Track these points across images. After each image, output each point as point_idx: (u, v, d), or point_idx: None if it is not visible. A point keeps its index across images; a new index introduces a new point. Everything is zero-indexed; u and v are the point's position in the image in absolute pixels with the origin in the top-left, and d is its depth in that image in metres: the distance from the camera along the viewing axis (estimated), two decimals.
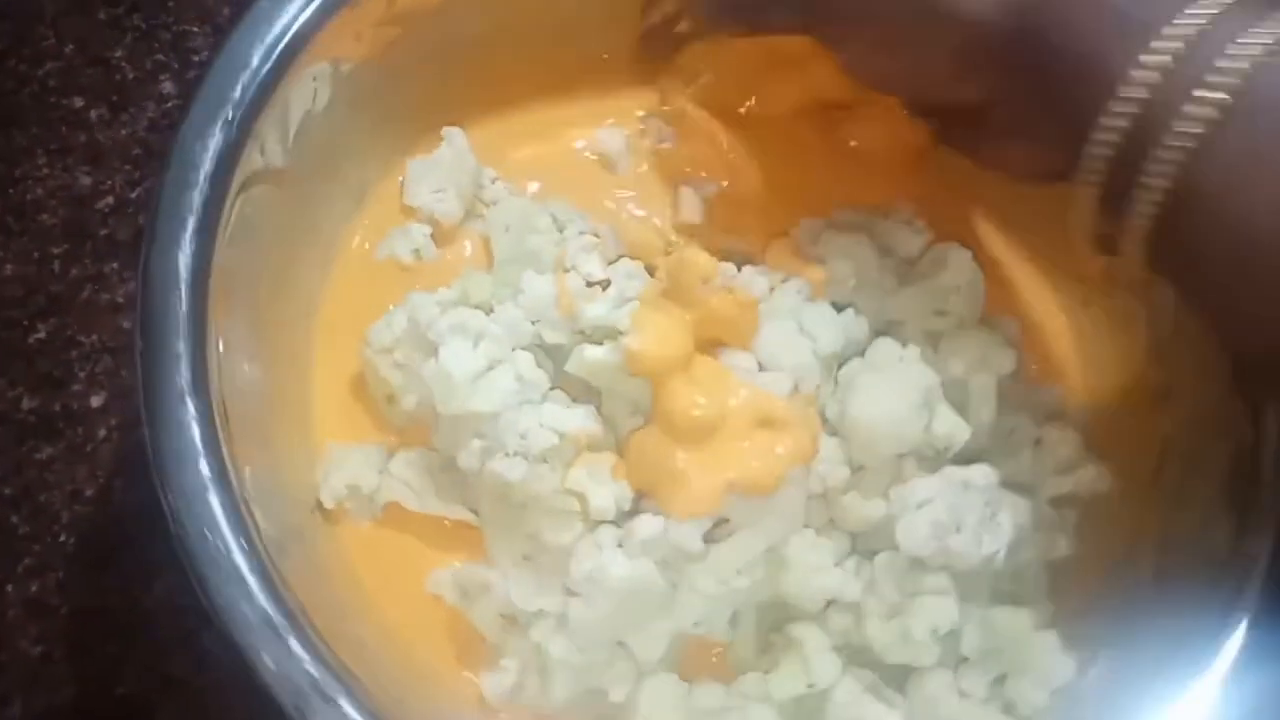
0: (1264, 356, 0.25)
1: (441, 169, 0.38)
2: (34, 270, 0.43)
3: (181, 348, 0.29)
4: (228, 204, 0.30)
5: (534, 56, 0.38)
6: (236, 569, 0.28)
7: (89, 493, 0.41)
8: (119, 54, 0.46)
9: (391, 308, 0.35)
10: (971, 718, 0.32)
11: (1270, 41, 0.22)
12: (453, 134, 0.38)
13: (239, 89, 0.31)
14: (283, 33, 0.31)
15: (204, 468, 0.28)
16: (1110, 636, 0.33)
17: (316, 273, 0.37)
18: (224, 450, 0.29)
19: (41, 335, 0.42)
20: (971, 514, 0.32)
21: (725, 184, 0.38)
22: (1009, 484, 0.35)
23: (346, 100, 0.34)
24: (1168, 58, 0.23)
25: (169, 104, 0.45)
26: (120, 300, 0.43)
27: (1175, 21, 0.23)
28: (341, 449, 0.35)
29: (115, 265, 0.43)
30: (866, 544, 0.34)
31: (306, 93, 0.33)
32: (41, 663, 0.39)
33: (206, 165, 0.30)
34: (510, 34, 0.38)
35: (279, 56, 0.31)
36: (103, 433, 0.41)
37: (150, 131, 0.45)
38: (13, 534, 0.40)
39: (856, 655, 0.33)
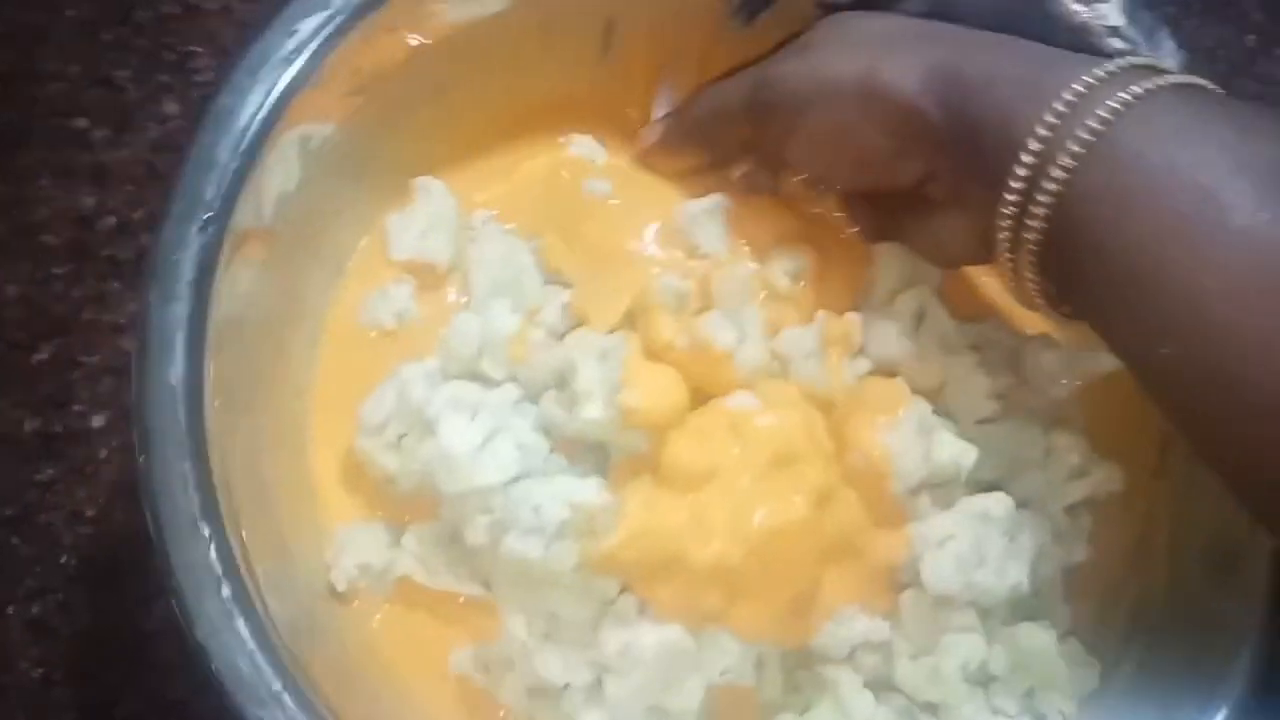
0: (1162, 376, 0.27)
1: (423, 218, 0.38)
2: (36, 291, 0.43)
3: (187, 469, 0.29)
4: (213, 308, 0.30)
5: (497, 101, 0.38)
6: (276, 697, 0.28)
7: (90, 514, 0.41)
8: (123, 75, 0.46)
9: (381, 381, 0.35)
10: None
11: (1138, 92, 0.26)
12: (426, 183, 0.38)
13: (210, 190, 0.30)
14: (248, 124, 0.31)
15: (225, 591, 0.28)
16: (1133, 635, 0.33)
17: (304, 353, 0.37)
18: (240, 567, 0.29)
19: (44, 356, 0.42)
20: (993, 546, 0.32)
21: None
22: (1022, 500, 0.34)
23: (317, 174, 0.34)
24: (1056, 118, 0.26)
25: (172, 124, 0.46)
26: (122, 321, 0.43)
27: (1070, 85, 0.26)
28: (349, 529, 0.35)
29: (117, 286, 0.43)
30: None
31: (277, 177, 0.33)
32: (43, 685, 0.39)
33: (188, 274, 0.30)
34: (472, 82, 0.37)
35: (247, 148, 0.31)
36: (104, 454, 0.41)
37: (153, 152, 0.45)
38: (14, 555, 0.40)
39: (885, 684, 0.33)
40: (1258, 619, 0.30)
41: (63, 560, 0.40)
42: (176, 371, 0.29)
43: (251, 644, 0.28)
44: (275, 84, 0.31)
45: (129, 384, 0.41)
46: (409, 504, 0.35)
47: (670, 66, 0.39)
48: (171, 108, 0.46)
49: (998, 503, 0.33)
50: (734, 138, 0.35)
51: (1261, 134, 0.25)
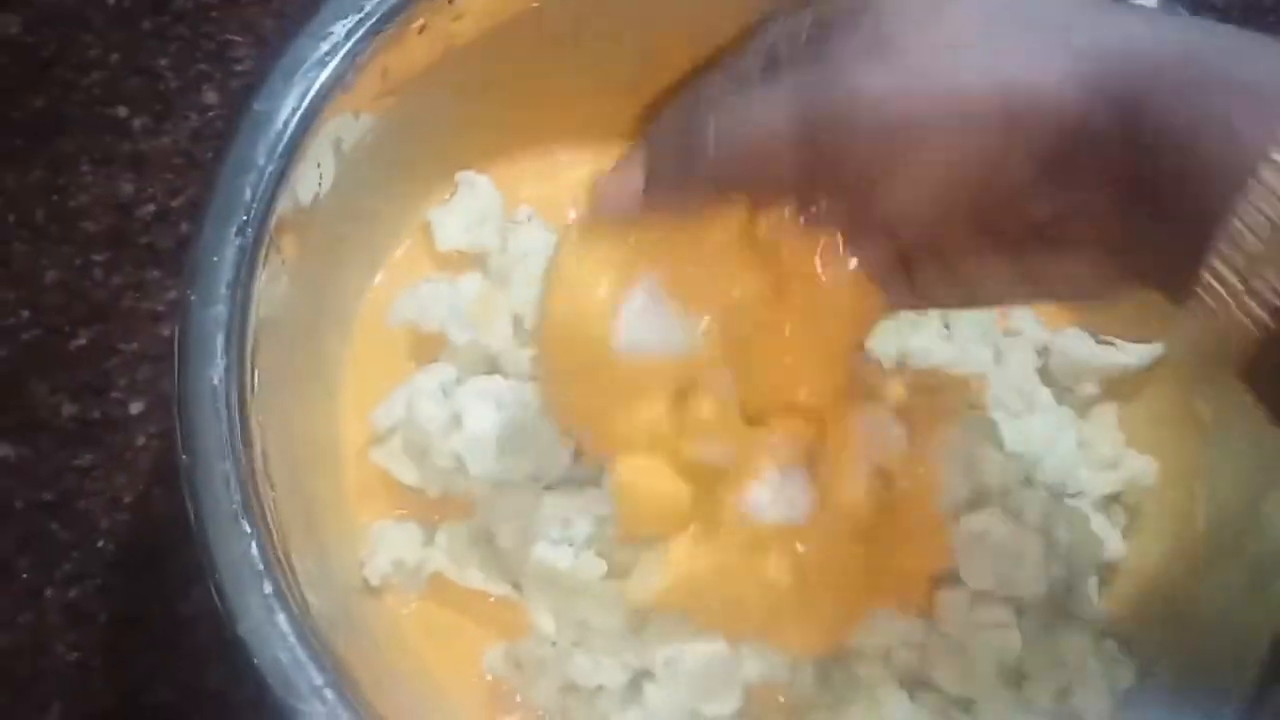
0: None
1: (467, 210, 0.38)
2: (76, 277, 0.43)
3: (228, 467, 0.29)
4: (251, 312, 0.30)
5: (535, 102, 0.39)
6: (318, 692, 0.28)
7: (128, 500, 0.41)
8: (163, 63, 0.46)
9: (398, 386, 0.35)
10: None
11: None
12: (469, 177, 0.38)
13: (248, 192, 0.31)
14: (284, 127, 0.31)
15: (267, 587, 0.28)
16: (1171, 635, 0.33)
17: (337, 353, 0.37)
18: (281, 563, 0.29)
19: (82, 342, 0.42)
20: (1031, 543, 0.32)
21: None
22: (1056, 489, 0.34)
23: (352, 176, 0.35)
24: None
25: (211, 113, 0.46)
26: (160, 309, 0.43)
27: None
28: (382, 527, 0.35)
29: (157, 273, 0.43)
30: None
31: (312, 180, 0.33)
32: (79, 670, 0.39)
33: (226, 276, 0.30)
34: (505, 83, 0.38)
35: (283, 151, 0.31)
36: (142, 440, 0.41)
37: (192, 141, 0.45)
38: (52, 540, 0.40)
39: (920, 681, 0.33)
40: None
41: (100, 545, 0.40)
42: (218, 372, 0.30)
43: (293, 638, 0.28)
44: (310, 87, 0.32)
45: (167, 371, 0.41)
46: (438, 506, 0.35)
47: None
48: (210, 97, 0.46)
49: (1034, 500, 0.33)
50: (768, 182, 0.24)
51: None
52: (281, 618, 0.28)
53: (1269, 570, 0.31)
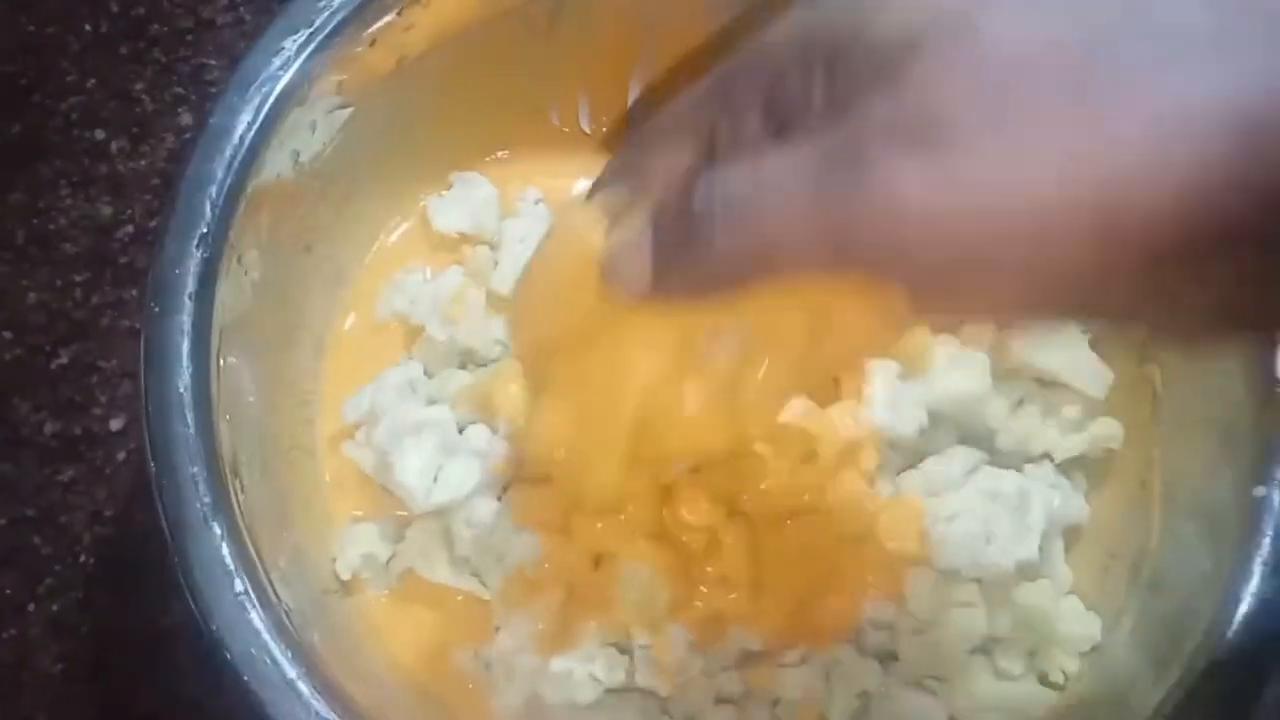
0: None
1: (464, 199, 0.39)
2: (56, 298, 0.44)
3: (197, 472, 0.30)
4: (214, 320, 0.31)
5: (488, 119, 0.39)
6: (291, 685, 0.28)
7: (109, 514, 0.42)
8: (139, 87, 0.47)
9: (363, 386, 0.36)
10: (1011, 695, 0.33)
11: None
12: (463, 177, 0.39)
13: (207, 206, 0.31)
14: (240, 140, 0.32)
15: (238, 585, 0.29)
16: (1132, 590, 0.34)
17: (309, 358, 0.38)
18: (253, 562, 0.30)
19: (64, 360, 0.43)
20: (1002, 524, 0.33)
21: None
22: (1022, 453, 0.36)
23: (312, 189, 0.35)
24: None
25: (187, 135, 0.47)
26: (139, 326, 0.44)
27: None
28: (354, 525, 0.36)
29: (134, 292, 0.44)
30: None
31: (272, 190, 0.34)
32: (62, 681, 0.40)
33: (188, 287, 0.31)
34: (461, 102, 0.38)
35: (241, 163, 0.32)
36: (122, 455, 0.42)
37: (169, 162, 0.46)
38: (35, 554, 0.41)
39: (891, 657, 0.34)
40: (1243, 570, 0.31)
41: (82, 559, 0.41)
42: (183, 379, 0.30)
43: (265, 635, 0.28)
44: (264, 101, 0.32)
45: None
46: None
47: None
48: (186, 119, 0.47)
49: (1008, 482, 0.34)
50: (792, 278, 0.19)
51: None
52: (254, 615, 0.29)
53: (1220, 528, 0.32)
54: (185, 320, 0.30)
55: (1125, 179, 0.15)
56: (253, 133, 0.32)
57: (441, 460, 0.33)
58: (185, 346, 0.30)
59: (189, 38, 0.48)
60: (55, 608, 0.40)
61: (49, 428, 0.43)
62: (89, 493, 0.42)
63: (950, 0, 0.17)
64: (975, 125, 0.16)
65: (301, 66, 0.33)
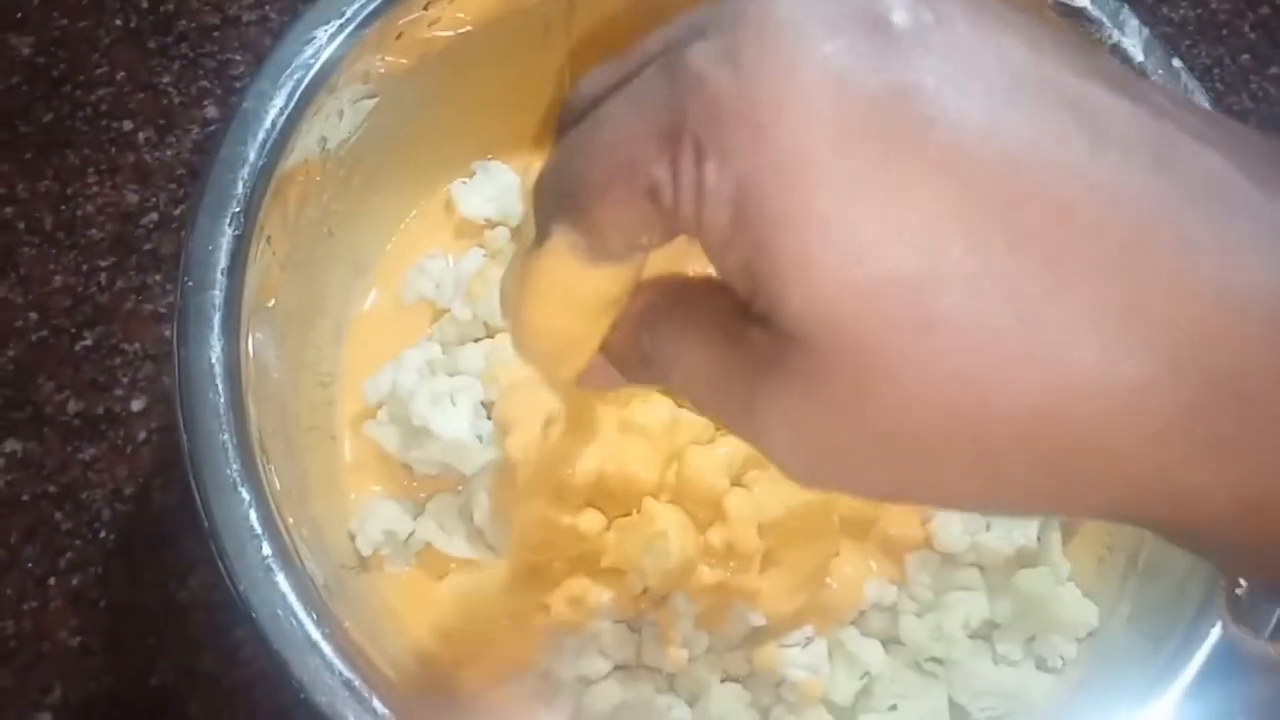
0: None
1: (488, 185, 0.40)
2: (82, 282, 0.45)
3: (226, 439, 0.30)
4: (245, 296, 0.32)
5: (509, 111, 0.40)
6: (315, 646, 0.29)
7: (129, 492, 0.43)
8: (166, 80, 0.49)
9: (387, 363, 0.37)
10: (1010, 680, 0.34)
11: None
12: (485, 165, 0.40)
13: (239, 185, 0.33)
14: (272, 126, 0.33)
15: (265, 549, 0.30)
16: (1129, 576, 0.35)
17: (330, 340, 0.39)
18: (279, 526, 0.30)
19: (88, 342, 0.45)
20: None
21: None
22: None
23: (336, 176, 0.36)
24: None
25: (212, 127, 0.48)
26: (162, 311, 0.45)
27: None
28: (374, 501, 0.37)
29: (158, 278, 0.46)
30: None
31: (299, 174, 0.35)
32: (80, 653, 0.40)
33: (221, 263, 0.32)
34: (483, 93, 0.40)
35: (272, 146, 0.33)
36: (143, 435, 0.43)
37: (194, 153, 0.48)
38: (56, 530, 0.42)
39: (893, 640, 0.35)
40: None
41: (102, 535, 0.42)
42: (214, 352, 0.31)
43: (291, 595, 0.29)
44: (295, 88, 0.34)
45: (167, 370, 0.44)
46: (428, 480, 0.37)
47: None
48: (211, 111, 0.48)
49: None
50: None
51: None
52: (279, 577, 0.30)
53: None
54: (217, 295, 0.31)
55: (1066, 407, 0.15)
56: (284, 118, 0.33)
57: (479, 421, 0.34)
58: (217, 320, 0.31)
59: (215, 34, 0.49)
60: (75, 582, 0.41)
61: (72, 407, 0.44)
62: (110, 471, 0.43)
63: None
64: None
65: (332, 55, 0.34)
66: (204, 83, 0.49)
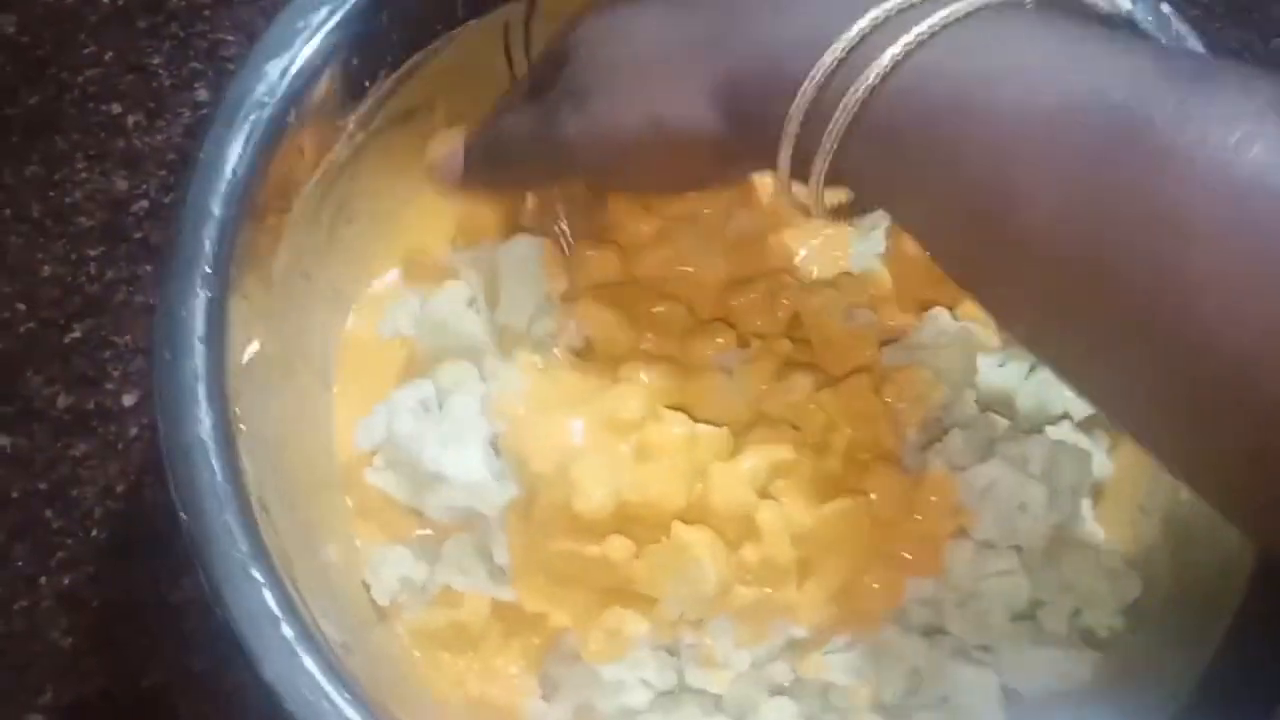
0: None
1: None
2: (70, 271, 0.44)
3: (229, 518, 0.29)
4: (227, 359, 0.30)
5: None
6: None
7: (120, 489, 0.42)
8: (156, 62, 0.47)
9: (375, 406, 0.36)
10: (1058, 660, 0.34)
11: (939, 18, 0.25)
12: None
13: (206, 244, 0.31)
14: (233, 174, 0.31)
15: (287, 631, 0.28)
16: (1166, 545, 0.34)
17: (318, 387, 0.37)
18: (295, 604, 0.29)
19: (77, 335, 0.43)
20: (1035, 492, 0.33)
21: None
22: (1044, 416, 0.36)
23: (306, 212, 0.35)
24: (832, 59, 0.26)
25: (203, 110, 0.46)
26: (153, 302, 0.43)
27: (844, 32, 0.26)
28: (387, 548, 0.35)
29: (149, 268, 0.44)
30: None
31: (269, 222, 0.33)
32: (72, 654, 0.40)
33: (198, 329, 0.30)
34: (451, 111, 0.38)
35: (237, 195, 0.31)
36: (135, 431, 0.42)
37: (185, 137, 0.46)
38: (46, 528, 0.41)
39: (937, 630, 0.35)
40: None
41: (93, 533, 0.41)
42: (203, 425, 0.29)
43: (320, 678, 0.28)
44: (253, 131, 0.32)
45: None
46: (439, 522, 0.35)
47: None
48: (203, 94, 0.47)
49: (1038, 446, 0.34)
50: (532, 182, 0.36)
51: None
52: (307, 660, 0.28)
53: None
54: (198, 363, 0.29)
55: (664, 124, 0.29)
56: (243, 164, 0.31)
57: (491, 458, 0.33)
58: (201, 391, 0.29)
59: (206, 13, 0.48)
60: (66, 581, 0.41)
61: (61, 401, 0.43)
62: (101, 467, 0.42)
63: (591, 27, 0.31)
64: (598, 92, 0.30)
65: (286, 92, 0.32)
66: (195, 64, 0.47)
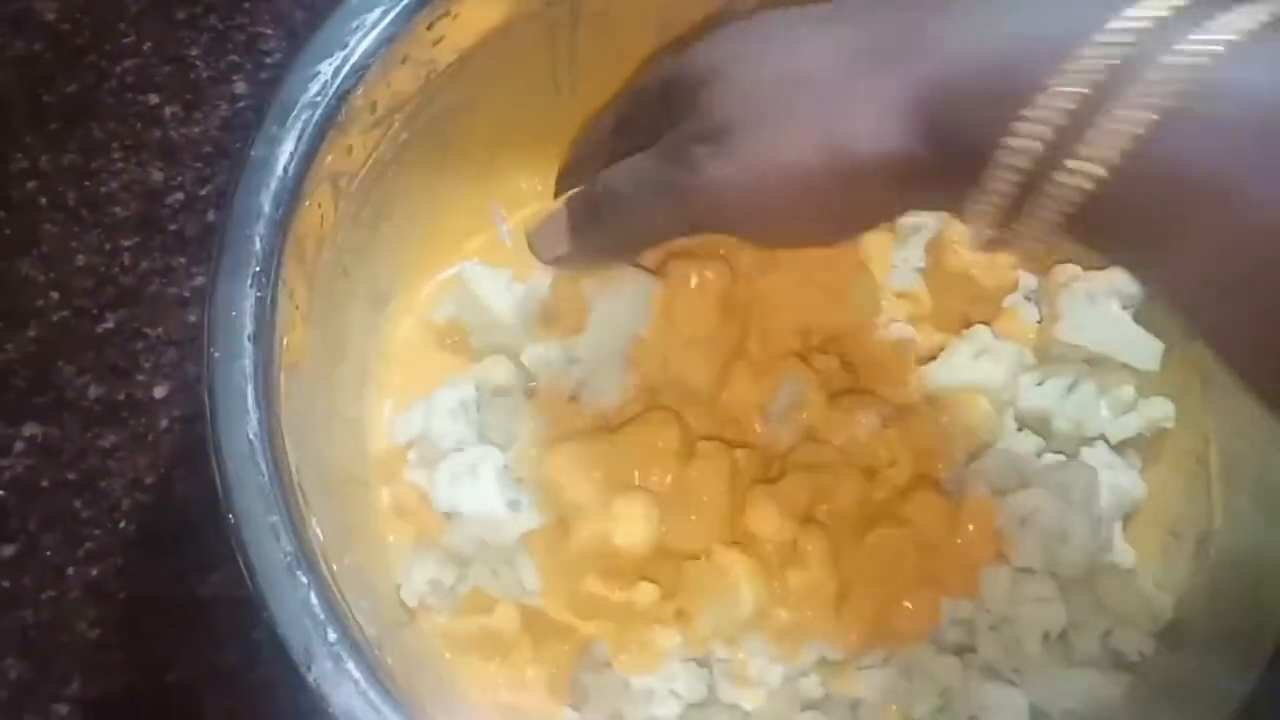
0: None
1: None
2: (105, 261, 0.44)
3: (276, 520, 0.29)
4: (275, 359, 0.30)
5: (517, 126, 0.39)
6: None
7: (149, 481, 0.42)
8: (194, 53, 0.47)
9: (413, 404, 0.36)
10: (1089, 681, 0.34)
11: (1228, 38, 0.20)
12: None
13: (257, 242, 0.31)
14: (284, 172, 0.31)
15: (331, 635, 0.28)
16: (1200, 570, 0.34)
17: (355, 384, 0.37)
18: (340, 606, 0.29)
19: (110, 325, 0.43)
20: (1075, 521, 0.33)
21: None
22: (1079, 438, 0.36)
23: (348, 213, 0.35)
24: (1098, 69, 0.20)
25: (241, 104, 0.46)
26: (187, 295, 0.44)
27: (1097, 36, 0.20)
28: (419, 550, 0.35)
29: (183, 260, 0.44)
30: None
31: (315, 220, 0.33)
32: (98, 646, 0.40)
33: (247, 328, 0.30)
34: (492, 111, 0.38)
35: (287, 196, 0.31)
36: (165, 423, 0.42)
37: (222, 130, 0.46)
38: (75, 518, 0.41)
39: (968, 649, 0.35)
40: None
41: (121, 525, 0.41)
42: (252, 425, 0.29)
43: (364, 682, 0.28)
44: (304, 129, 0.32)
45: (192, 356, 0.43)
46: (470, 524, 0.35)
47: None
48: (240, 87, 0.47)
49: (1074, 473, 0.34)
50: (655, 242, 0.30)
51: None
52: (350, 664, 0.28)
53: None
54: (247, 364, 0.29)
55: (844, 150, 0.23)
56: (294, 162, 0.31)
57: (507, 488, 0.33)
58: (250, 391, 0.29)
59: (246, 5, 0.48)
60: (94, 572, 0.40)
61: (93, 392, 0.43)
62: (130, 459, 0.42)
63: (723, 48, 0.26)
64: (746, 125, 0.24)
65: (338, 89, 0.32)
66: (233, 57, 0.47)
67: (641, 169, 0.27)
